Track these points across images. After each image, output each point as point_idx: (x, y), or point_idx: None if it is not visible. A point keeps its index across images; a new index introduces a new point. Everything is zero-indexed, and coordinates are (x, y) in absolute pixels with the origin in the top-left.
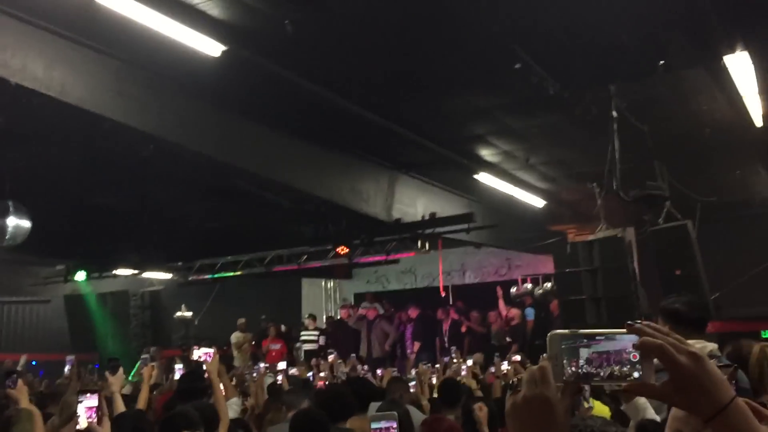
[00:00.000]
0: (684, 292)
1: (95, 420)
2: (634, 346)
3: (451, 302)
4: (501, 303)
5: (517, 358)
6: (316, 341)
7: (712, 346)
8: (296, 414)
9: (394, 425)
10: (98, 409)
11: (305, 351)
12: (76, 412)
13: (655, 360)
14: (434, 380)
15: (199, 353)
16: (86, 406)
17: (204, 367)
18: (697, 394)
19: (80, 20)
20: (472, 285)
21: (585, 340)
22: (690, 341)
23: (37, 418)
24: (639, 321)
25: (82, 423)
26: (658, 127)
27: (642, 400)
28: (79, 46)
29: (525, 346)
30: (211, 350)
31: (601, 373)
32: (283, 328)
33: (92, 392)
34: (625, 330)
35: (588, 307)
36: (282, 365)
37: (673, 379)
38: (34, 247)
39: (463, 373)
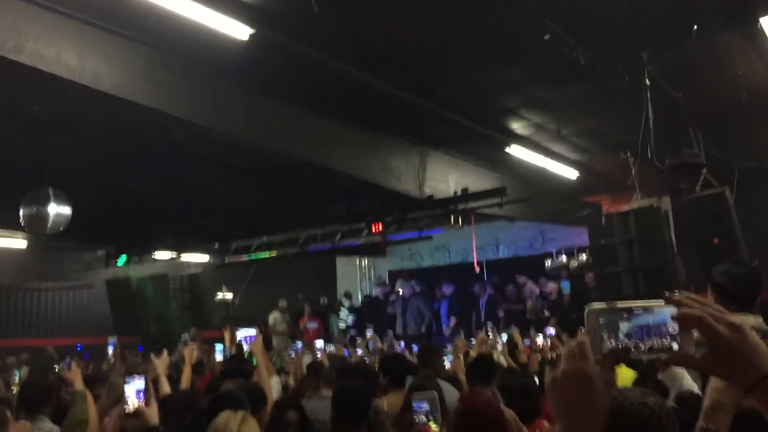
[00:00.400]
0: (735, 262)
1: (143, 402)
2: (673, 318)
3: (485, 277)
4: (531, 284)
5: (552, 331)
6: (345, 320)
7: (755, 320)
8: (338, 388)
9: (424, 406)
10: (146, 391)
11: (339, 329)
12: (124, 394)
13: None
14: (471, 353)
15: (241, 334)
16: (134, 389)
17: (245, 348)
18: (738, 364)
19: (110, 8)
20: (507, 259)
21: (624, 314)
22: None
23: (90, 400)
24: (677, 291)
25: (131, 405)
26: (692, 94)
27: (679, 369)
28: (109, 34)
29: (563, 319)
30: (253, 331)
31: (641, 346)
32: (323, 301)
33: (139, 375)
34: (663, 302)
35: (624, 278)
36: (320, 343)
37: (713, 349)
38: (75, 234)
39: (499, 348)
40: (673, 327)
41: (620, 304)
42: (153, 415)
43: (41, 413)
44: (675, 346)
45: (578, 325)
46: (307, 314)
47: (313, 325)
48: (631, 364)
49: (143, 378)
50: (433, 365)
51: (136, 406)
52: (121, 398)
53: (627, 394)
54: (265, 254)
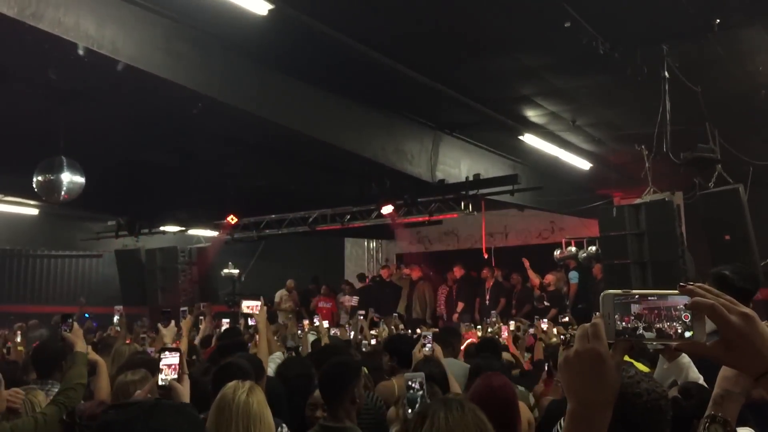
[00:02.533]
0: (738, 260)
1: (176, 378)
2: (686, 306)
3: (493, 264)
4: (530, 273)
5: (566, 320)
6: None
7: None
8: (330, 362)
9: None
10: (179, 366)
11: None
12: (158, 366)
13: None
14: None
15: (247, 304)
16: (166, 364)
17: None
18: (749, 353)
19: None
20: (515, 247)
21: (636, 297)
22: None
23: (102, 368)
24: (691, 282)
25: (164, 379)
26: (711, 88)
27: (686, 359)
28: (129, 3)
29: (564, 310)
30: (257, 303)
31: (651, 328)
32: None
33: (173, 350)
34: (677, 291)
35: (633, 271)
36: (325, 324)
37: (724, 338)
38: (87, 203)
39: (504, 335)
40: (686, 315)
41: (635, 291)
42: (185, 392)
43: (52, 377)
44: (687, 334)
45: (583, 315)
46: (322, 293)
47: (326, 305)
48: (644, 357)
49: (177, 353)
50: (452, 347)
51: (169, 380)
52: (128, 367)
53: (625, 379)
54: (273, 232)
